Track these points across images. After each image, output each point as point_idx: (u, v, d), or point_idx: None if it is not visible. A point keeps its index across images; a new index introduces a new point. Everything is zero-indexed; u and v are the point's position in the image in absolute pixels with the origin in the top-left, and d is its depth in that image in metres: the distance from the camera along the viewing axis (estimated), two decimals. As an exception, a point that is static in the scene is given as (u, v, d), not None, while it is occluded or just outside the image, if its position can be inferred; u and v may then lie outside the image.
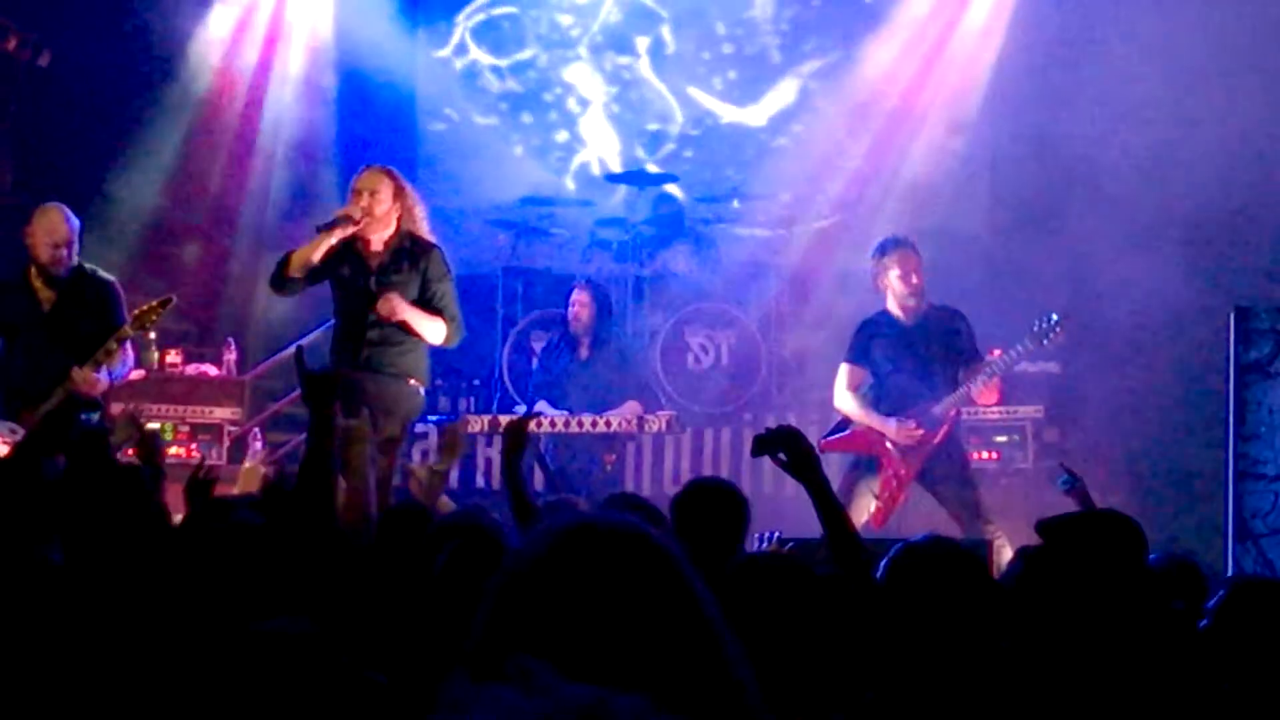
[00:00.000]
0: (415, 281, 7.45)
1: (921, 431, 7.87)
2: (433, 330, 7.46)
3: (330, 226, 7.36)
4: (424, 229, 7.58)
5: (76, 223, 7.89)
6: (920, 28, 11.41)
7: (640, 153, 12.25)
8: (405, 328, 7.39)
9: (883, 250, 8.15)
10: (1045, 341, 7.86)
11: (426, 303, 7.46)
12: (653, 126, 12.34)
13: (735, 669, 1.82)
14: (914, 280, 8.03)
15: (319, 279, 7.56)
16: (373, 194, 7.42)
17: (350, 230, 7.35)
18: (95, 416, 7.61)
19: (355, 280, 7.46)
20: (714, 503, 4.75)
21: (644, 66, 12.38)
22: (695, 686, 1.77)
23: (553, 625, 1.78)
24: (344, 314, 7.55)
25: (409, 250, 7.47)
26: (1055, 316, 7.82)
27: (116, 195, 10.86)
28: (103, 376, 7.71)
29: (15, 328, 7.82)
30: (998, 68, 10.89)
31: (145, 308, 7.66)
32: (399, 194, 7.50)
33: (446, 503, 6.88)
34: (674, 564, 1.85)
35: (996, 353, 8.03)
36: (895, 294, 8.11)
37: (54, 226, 7.82)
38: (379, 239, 7.46)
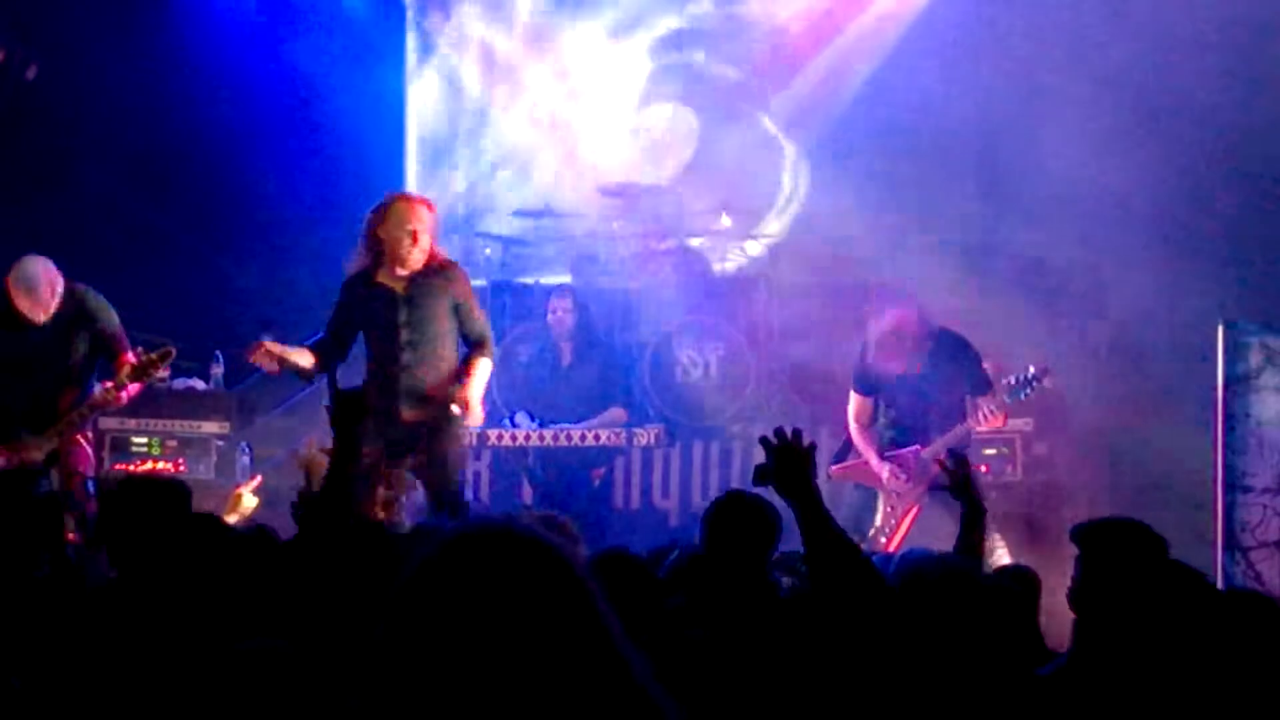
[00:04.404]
0: (446, 305, 7.37)
1: (909, 482, 7.83)
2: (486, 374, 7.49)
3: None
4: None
5: (58, 277, 7.70)
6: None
7: (631, 165, 12.21)
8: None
9: (870, 313, 7.98)
10: (1024, 396, 7.72)
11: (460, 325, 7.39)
12: (644, 139, 12.30)
13: (635, 677, 1.83)
14: (891, 359, 7.86)
15: (347, 332, 7.47)
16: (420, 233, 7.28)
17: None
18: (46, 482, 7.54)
19: (383, 316, 7.35)
20: (746, 516, 4.65)
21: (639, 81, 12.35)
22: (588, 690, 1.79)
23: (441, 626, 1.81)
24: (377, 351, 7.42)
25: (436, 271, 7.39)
26: (1033, 370, 7.70)
27: (102, 206, 10.83)
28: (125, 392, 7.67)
29: (4, 352, 7.70)
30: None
31: (145, 360, 7.47)
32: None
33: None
34: (560, 567, 1.88)
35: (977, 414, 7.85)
36: None
37: (35, 293, 7.63)
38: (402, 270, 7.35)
